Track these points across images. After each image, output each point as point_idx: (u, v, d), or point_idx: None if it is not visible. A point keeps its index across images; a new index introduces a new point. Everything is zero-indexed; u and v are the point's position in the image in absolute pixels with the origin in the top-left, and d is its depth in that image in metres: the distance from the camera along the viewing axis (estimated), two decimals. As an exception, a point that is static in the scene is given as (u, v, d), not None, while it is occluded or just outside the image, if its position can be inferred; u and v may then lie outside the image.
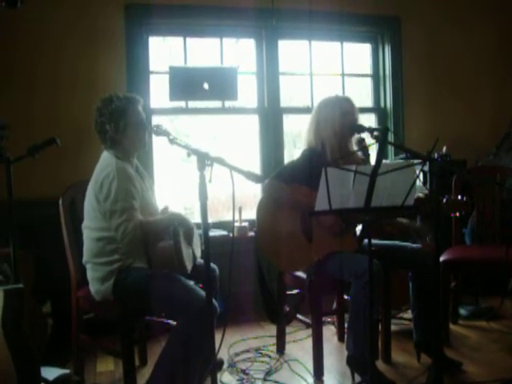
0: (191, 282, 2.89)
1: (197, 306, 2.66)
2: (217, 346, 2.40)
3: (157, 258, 2.89)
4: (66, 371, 3.15)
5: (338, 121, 3.26)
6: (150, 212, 3.01)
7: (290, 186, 3.26)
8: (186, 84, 4.38)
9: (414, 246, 3.47)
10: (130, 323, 2.97)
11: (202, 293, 2.73)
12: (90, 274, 3.00)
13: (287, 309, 3.64)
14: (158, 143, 4.35)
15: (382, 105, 5.07)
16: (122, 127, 2.96)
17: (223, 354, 3.54)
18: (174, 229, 2.85)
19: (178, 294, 2.78)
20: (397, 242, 3.50)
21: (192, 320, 2.67)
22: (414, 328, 3.37)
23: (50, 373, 3.02)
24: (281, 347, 3.68)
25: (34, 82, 4.08)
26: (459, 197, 3.12)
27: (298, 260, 3.22)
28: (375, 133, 2.82)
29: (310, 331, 3.39)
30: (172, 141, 2.50)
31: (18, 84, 4.04)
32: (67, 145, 3.01)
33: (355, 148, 3.33)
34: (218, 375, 3.22)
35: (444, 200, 3.08)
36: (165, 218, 2.99)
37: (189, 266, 2.91)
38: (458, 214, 3.14)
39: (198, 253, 3.12)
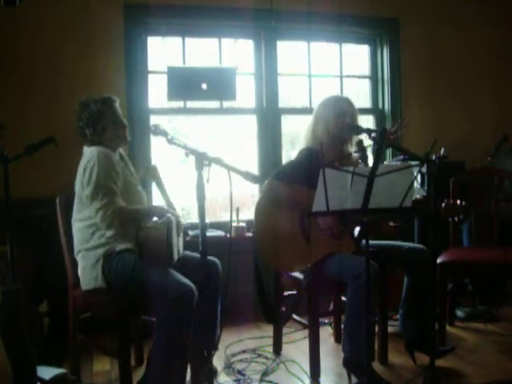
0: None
1: (173, 292, 2.67)
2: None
3: (147, 243, 2.85)
4: (63, 371, 3.14)
5: (332, 121, 3.27)
6: (135, 196, 3.07)
7: (289, 186, 3.26)
8: (185, 84, 4.38)
9: (412, 244, 3.47)
10: (125, 321, 2.96)
11: (181, 280, 2.75)
12: (81, 265, 3.04)
13: (284, 310, 3.63)
14: (157, 143, 4.35)
15: (381, 106, 5.08)
16: (100, 130, 3.06)
17: (220, 355, 3.54)
18: (167, 218, 2.86)
19: (156, 279, 2.79)
20: (394, 242, 3.50)
21: (170, 307, 2.68)
22: (402, 327, 3.38)
23: (46, 372, 3.01)
24: (277, 348, 3.68)
25: (33, 81, 4.08)
26: (458, 201, 3.12)
27: (296, 261, 3.22)
28: (373, 134, 2.82)
29: (306, 332, 3.38)
30: (170, 141, 2.51)
31: (17, 83, 4.04)
32: (65, 144, 3.01)
33: (353, 149, 3.33)
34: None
35: (443, 204, 3.08)
36: (146, 208, 3.04)
37: (175, 256, 2.90)
38: (456, 219, 3.13)
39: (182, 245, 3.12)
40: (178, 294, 2.66)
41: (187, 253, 3.16)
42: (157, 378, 2.76)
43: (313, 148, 3.32)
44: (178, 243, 3.00)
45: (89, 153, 3.02)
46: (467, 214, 3.14)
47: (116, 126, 3.09)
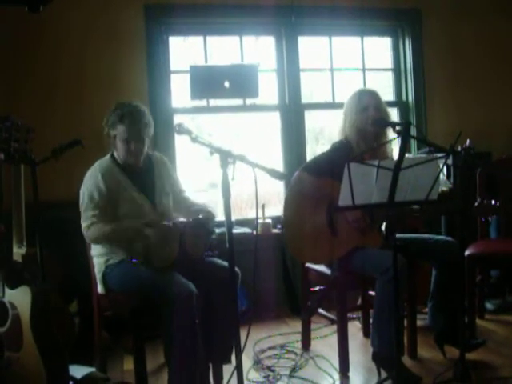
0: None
1: (171, 295, 2.73)
2: (242, 342, 2.40)
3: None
4: (93, 369, 3.18)
5: (356, 116, 3.26)
6: (138, 213, 3.05)
7: (318, 178, 3.25)
8: (207, 82, 4.39)
9: (439, 237, 3.44)
10: (138, 320, 2.98)
11: (179, 282, 2.80)
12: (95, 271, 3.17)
13: (310, 304, 3.63)
14: (181, 142, 4.38)
15: (404, 99, 5.04)
16: (113, 137, 3.10)
17: (248, 351, 3.55)
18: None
19: (153, 284, 2.86)
20: (421, 235, 3.48)
21: (171, 309, 2.73)
22: (432, 321, 3.34)
23: (77, 371, 3.06)
24: (306, 343, 3.68)
25: (56, 84, 4.13)
26: (492, 201, 3.06)
27: (322, 253, 3.23)
28: (397, 127, 2.80)
29: (335, 327, 3.38)
30: (194, 139, 2.51)
31: (41, 86, 4.09)
32: (89, 145, 3.03)
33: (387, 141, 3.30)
34: (244, 373, 3.23)
35: (476, 204, 3.03)
36: (137, 226, 2.98)
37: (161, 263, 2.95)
38: (489, 219, 3.08)
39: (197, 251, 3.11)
40: (177, 296, 2.72)
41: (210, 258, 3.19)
42: (177, 380, 2.80)
43: (343, 141, 3.33)
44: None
45: None
46: (500, 213, 3.08)
47: (123, 142, 3.06)
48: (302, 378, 3.21)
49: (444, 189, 3.87)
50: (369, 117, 3.22)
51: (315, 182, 3.26)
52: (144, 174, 3.19)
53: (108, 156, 3.17)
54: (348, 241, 3.18)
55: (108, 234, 3.00)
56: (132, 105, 3.07)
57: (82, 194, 3.06)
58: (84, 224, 3.01)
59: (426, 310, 3.45)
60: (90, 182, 3.05)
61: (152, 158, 3.26)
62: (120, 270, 3.01)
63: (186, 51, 4.69)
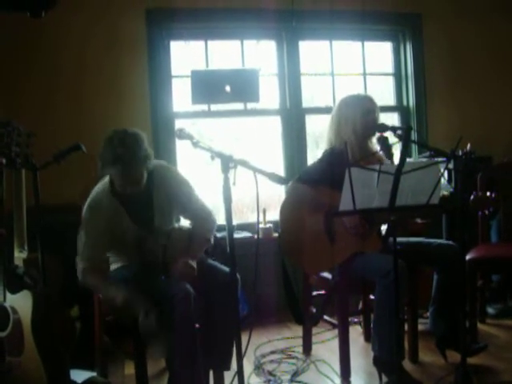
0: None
1: (167, 296, 2.72)
2: (243, 347, 2.40)
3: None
4: (94, 374, 3.18)
5: (359, 120, 3.24)
6: (135, 243, 2.97)
7: (313, 187, 3.26)
8: (208, 87, 4.40)
9: (440, 241, 3.44)
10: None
11: (174, 284, 2.79)
12: None
13: (313, 310, 3.63)
14: (182, 147, 4.38)
15: (405, 103, 5.04)
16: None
17: (249, 356, 3.55)
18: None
19: (149, 289, 2.84)
20: (422, 239, 3.47)
21: (168, 310, 2.72)
22: (433, 325, 3.34)
23: (78, 375, 3.05)
24: (307, 348, 3.68)
25: (57, 88, 4.14)
26: (487, 193, 3.07)
27: (321, 261, 3.22)
28: (398, 132, 2.81)
29: (336, 332, 3.38)
30: (195, 144, 2.51)
31: (42, 91, 4.10)
32: (90, 150, 3.03)
33: (376, 146, 3.31)
34: (245, 377, 3.22)
35: (471, 197, 3.04)
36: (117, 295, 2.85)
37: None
38: (486, 212, 3.08)
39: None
40: (174, 297, 2.71)
41: (211, 262, 3.17)
42: (176, 379, 2.80)
43: (335, 148, 3.31)
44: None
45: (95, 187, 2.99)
46: (497, 206, 3.09)
47: (121, 185, 2.81)
48: (304, 383, 3.21)
49: (445, 193, 3.87)
50: (369, 120, 3.22)
51: (311, 191, 3.26)
52: (142, 203, 2.96)
53: (107, 179, 2.92)
54: (347, 247, 3.17)
55: (96, 288, 3.02)
56: (126, 143, 2.71)
57: (83, 219, 2.94)
58: (79, 266, 2.95)
59: (428, 314, 3.45)
60: (87, 213, 2.92)
61: (153, 176, 2.94)
62: (117, 275, 3.01)
63: (187, 56, 4.70)
